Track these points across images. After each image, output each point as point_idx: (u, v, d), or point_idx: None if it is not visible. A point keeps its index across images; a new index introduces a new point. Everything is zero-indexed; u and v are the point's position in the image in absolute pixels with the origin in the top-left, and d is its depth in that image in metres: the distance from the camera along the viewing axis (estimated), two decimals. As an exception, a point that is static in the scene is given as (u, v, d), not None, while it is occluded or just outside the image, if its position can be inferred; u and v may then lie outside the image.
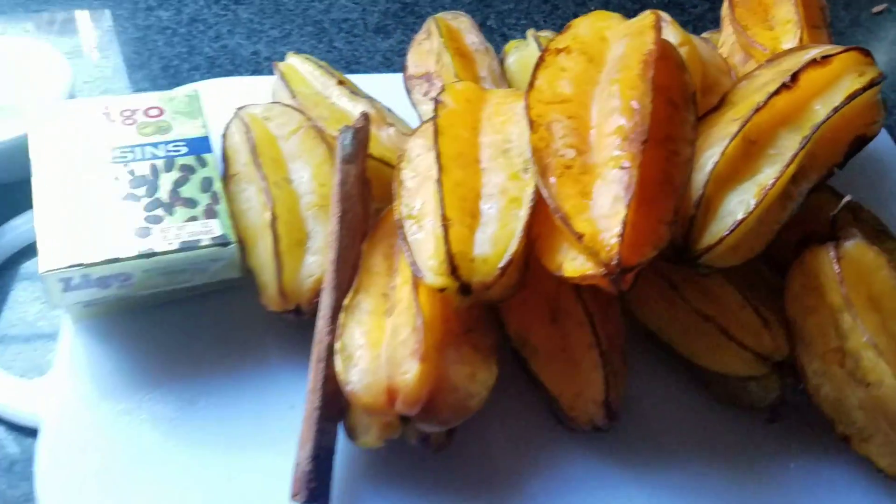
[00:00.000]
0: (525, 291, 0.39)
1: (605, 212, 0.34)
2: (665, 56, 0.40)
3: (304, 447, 0.36)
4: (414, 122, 0.51)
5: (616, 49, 0.40)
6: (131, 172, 0.42)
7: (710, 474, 0.40)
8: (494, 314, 0.41)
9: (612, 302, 0.41)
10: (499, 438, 0.40)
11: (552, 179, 0.36)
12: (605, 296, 0.41)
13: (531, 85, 0.39)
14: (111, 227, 0.39)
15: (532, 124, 0.38)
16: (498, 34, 0.66)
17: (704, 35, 0.57)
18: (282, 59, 0.61)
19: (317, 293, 0.41)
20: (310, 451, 0.36)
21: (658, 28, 0.40)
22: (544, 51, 0.41)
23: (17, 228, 0.47)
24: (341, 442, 0.38)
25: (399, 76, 0.56)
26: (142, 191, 0.41)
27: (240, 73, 0.59)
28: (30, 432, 0.40)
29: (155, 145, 0.43)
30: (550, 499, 0.38)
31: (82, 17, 0.63)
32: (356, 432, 0.38)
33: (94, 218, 0.40)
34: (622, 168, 0.35)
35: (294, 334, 0.42)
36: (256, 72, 0.60)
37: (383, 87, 0.53)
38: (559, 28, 0.67)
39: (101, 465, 0.38)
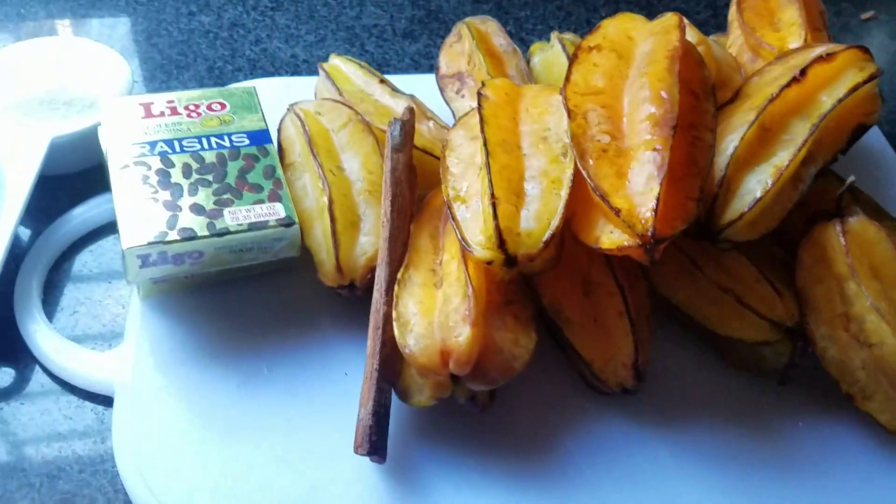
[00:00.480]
0: (558, 267, 0.43)
1: (640, 189, 0.38)
2: (687, 53, 0.44)
3: (366, 405, 0.40)
4: (445, 117, 0.55)
5: (643, 46, 0.44)
6: (200, 160, 0.45)
7: (727, 432, 0.44)
8: (531, 289, 0.45)
9: (638, 276, 0.45)
10: (534, 401, 0.44)
11: (591, 162, 0.40)
12: (633, 270, 0.45)
13: (567, 79, 0.44)
14: (185, 208, 0.43)
15: (570, 113, 0.42)
16: (516, 39, 0.70)
17: (712, 38, 0.62)
18: (319, 61, 0.65)
19: (369, 270, 0.45)
20: (371, 408, 0.40)
21: (682, 28, 0.44)
22: (577, 48, 0.45)
23: (84, 214, 0.50)
24: (393, 403, 0.42)
25: (427, 76, 0.61)
26: (211, 176, 0.45)
27: (280, 74, 0.63)
28: (103, 399, 0.44)
29: (220, 136, 0.47)
30: (584, 454, 0.42)
31: (128, 19, 0.67)
32: (410, 392, 0.41)
33: (168, 200, 0.43)
34: (655, 150, 0.39)
35: (346, 309, 0.46)
36: (295, 73, 0.64)
37: (414, 86, 0.57)
38: (574, 32, 0.71)
39: (170, 427, 0.41)
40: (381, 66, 0.66)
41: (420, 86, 0.57)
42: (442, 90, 0.57)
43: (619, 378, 0.43)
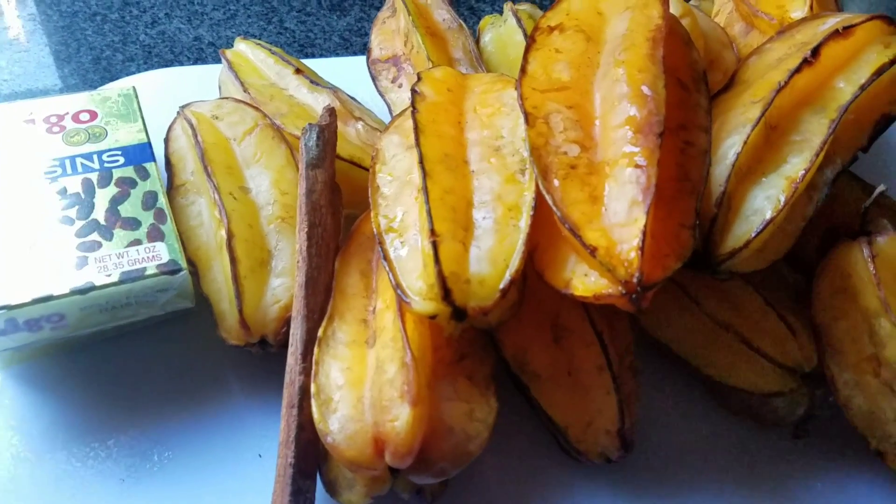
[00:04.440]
0: (522, 307, 0.34)
1: (620, 219, 0.29)
2: (672, 32, 0.35)
3: (280, 510, 0.31)
4: (381, 110, 0.46)
5: (617, 25, 0.35)
6: (62, 191, 0.35)
7: (733, 498, 0.36)
8: (489, 335, 0.36)
9: (619, 313, 0.37)
10: (501, 477, 0.36)
11: (556, 182, 0.31)
12: (611, 309, 0.36)
13: (523, 70, 0.34)
14: (39, 258, 0.33)
15: (528, 117, 0.33)
16: (465, 7, 0.60)
17: (692, 3, 0.53)
18: (228, 44, 0.54)
19: (284, 322, 0.36)
20: (286, 513, 0.31)
21: (665, 0, 0.35)
22: (534, 30, 0.36)
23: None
24: (320, 493, 0.33)
25: (360, 58, 0.51)
26: (74, 212, 0.35)
27: (181, 63, 0.53)
28: (-43, 499, 0.34)
29: (88, 156, 0.37)
30: (562, 540, 0.34)
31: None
32: (338, 487, 0.33)
33: (18, 248, 0.34)
34: (637, 166, 0.30)
35: (259, 368, 0.37)
36: (200, 60, 0.53)
37: (343, 71, 0.49)
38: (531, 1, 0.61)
39: (42, 536, 0.32)
40: (305, 47, 0.55)
41: (350, 72, 0.49)
42: (374, 78, 0.47)
43: (601, 447, 0.34)
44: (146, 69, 0.52)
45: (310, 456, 0.32)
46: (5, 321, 0.32)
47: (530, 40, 0.35)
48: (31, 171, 0.36)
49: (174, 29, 0.55)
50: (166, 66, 0.52)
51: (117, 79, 0.51)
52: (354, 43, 0.56)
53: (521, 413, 0.37)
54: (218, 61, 0.53)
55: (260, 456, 0.35)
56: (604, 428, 0.34)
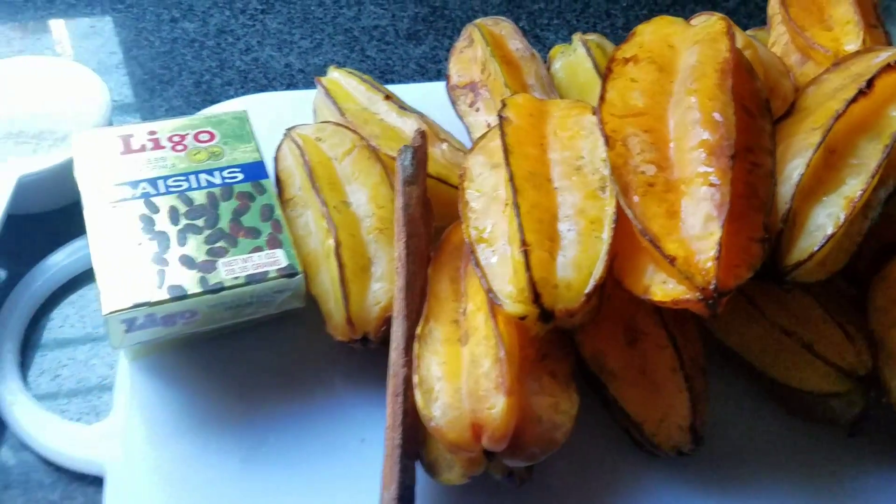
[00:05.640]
0: (600, 313, 0.38)
1: (697, 232, 0.33)
2: (737, 64, 0.39)
3: (389, 488, 0.35)
4: (456, 131, 0.50)
5: (688, 57, 0.39)
6: (189, 202, 0.40)
7: (792, 491, 0.39)
8: (568, 338, 0.40)
9: (689, 320, 0.40)
10: (578, 467, 0.39)
11: (636, 198, 0.35)
12: (683, 313, 0.40)
13: (602, 98, 0.38)
14: (173, 261, 0.38)
15: (608, 140, 0.36)
16: (531, 36, 0.64)
17: (749, 33, 0.56)
18: (316, 70, 0.59)
19: (384, 321, 0.40)
20: (395, 491, 0.35)
21: (731, 35, 0.38)
22: (611, 61, 0.40)
23: (63, 260, 0.45)
24: (420, 475, 0.37)
25: (435, 85, 0.55)
26: (202, 221, 0.39)
27: (274, 87, 0.58)
28: (93, 480, 0.39)
29: (210, 172, 0.41)
30: (636, 526, 0.38)
31: (103, 28, 0.61)
32: (438, 468, 0.36)
33: (154, 252, 0.38)
34: (711, 185, 0.33)
35: (360, 363, 0.41)
36: (291, 85, 0.58)
37: (421, 95, 0.52)
38: (593, 27, 0.66)
39: (170, 510, 0.36)
40: (384, 73, 0.60)
41: (428, 97, 0.52)
42: (453, 103, 0.51)
43: (673, 441, 0.38)
44: (243, 93, 0.57)
45: (413, 439, 0.36)
46: (145, 316, 0.37)
47: (607, 70, 0.39)
48: (161, 183, 0.41)
49: (266, 56, 0.60)
50: (261, 90, 0.57)
51: (217, 101, 0.56)
52: (430, 69, 0.60)
53: (595, 412, 0.40)
54: (307, 86, 0.58)
55: (362, 441, 0.39)
56: (677, 423, 0.38)
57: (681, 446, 0.38)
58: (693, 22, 0.43)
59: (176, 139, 0.43)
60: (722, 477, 0.39)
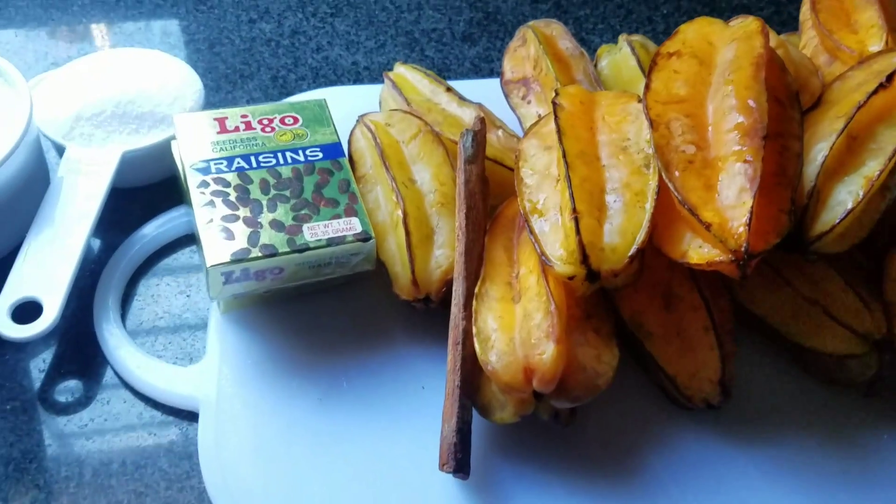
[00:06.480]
0: (639, 279, 0.42)
1: (731, 202, 0.37)
2: (771, 59, 0.43)
3: (449, 421, 0.40)
4: (509, 122, 0.54)
5: (725, 53, 0.43)
6: (277, 175, 0.45)
7: (812, 446, 0.43)
8: (609, 301, 0.44)
9: (721, 288, 0.44)
10: (615, 417, 0.44)
11: (676, 174, 0.39)
12: (716, 282, 0.44)
13: (647, 87, 0.43)
14: (265, 224, 0.43)
15: (652, 123, 0.41)
16: (577, 39, 0.69)
17: (781, 37, 0.60)
18: (380, 68, 0.65)
19: (444, 283, 0.45)
20: (454, 424, 0.40)
21: (766, 33, 0.43)
22: (656, 55, 0.44)
23: (158, 228, 0.51)
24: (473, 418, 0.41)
25: (488, 81, 0.60)
26: (289, 192, 0.45)
27: (342, 82, 0.63)
28: (186, 415, 0.44)
29: (295, 150, 0.47)
30: (668, 470, 0.41)
31: (188, 27, 0.67)
32: (491, 409, 0.41)
33: (248, 217, 0.43)
34: (746, 161, 0.38)
35: (419, 322, 0.46)
36: (357, 80, 0.64)
37: (475, 92, 0.57)
38: (635, 31, 0.70)
39: (256, 441, 0.41)
40: (441, 71, 0.65)
41: (482, 91, 0.57)
42: (507, 96, 0.56)
43: (704, 394, 0.42)
44: (315, 87, 0.62)
45: (469, 383, 0.41)
46: (241, 270, 0.42)
47: (653, 63, 0.44)
48: (253, 160, 0.46)
49: (335, 55, 0.65)
50: (331, 85, 0.63)
51: (292, 94, 0.61)
52: (483, 68, 0.66)
53: (631, 374, 0.44)
54: (371, 82, 0.63)
55: (423, 388, 0.44)
56: (707, 378, 0.42)
57: (710, 398, 0.42)
58: (731, 23, 0.47)
59: (265, 122, 0.48)
60: (745, 430, 0.43)
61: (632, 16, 0.72)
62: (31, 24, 0.67)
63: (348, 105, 0.54)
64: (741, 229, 0.36)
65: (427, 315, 0.46)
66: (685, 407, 0.43)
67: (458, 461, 0.39)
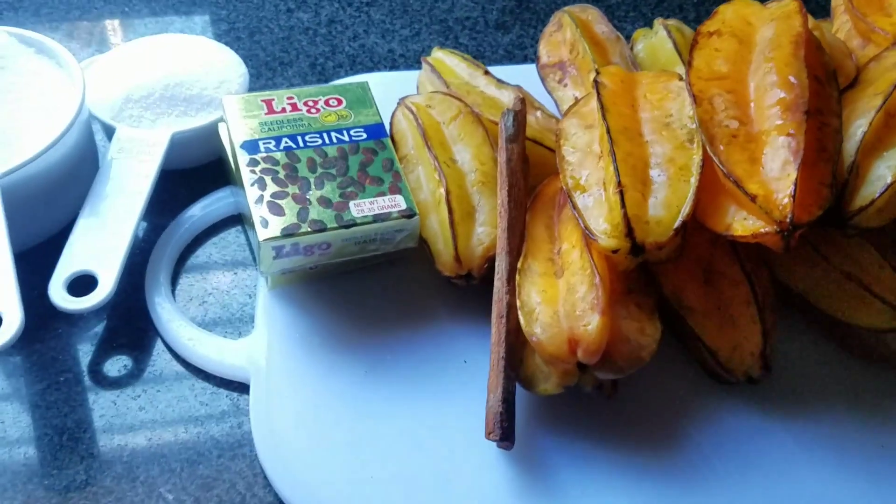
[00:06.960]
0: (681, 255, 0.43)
1: (775, 175, 0.38)
2: (809, 38, 0.44)
3: (495, 392, 0.41)
4: (546, 107, 0.55)
5: (765, 32, 0.44)
6: (324, 154, 0.47)
7: (849, 420, 0.44)
8: (651, 277, 0.45)
9: (761, 264, 0.45)
10: (657, 390, 0.44)
11: (721, 147, 0.40)
12: (757, 258, 0.45)
13: (689, 64, 0.44)
14: (314, 201, 0.44)
15: (696, 99, 0.42)
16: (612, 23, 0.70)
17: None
18: (415, 55, 0.66)
19: (486, 259, 0.46)
20: (500, 394, 0.41)
21: (804, 13, 0.43)
22: (696, 34, 0.45)
23: (206, 208, 0.52)
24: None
25: (522, 67, 0.61)
26: (335, 170, 0.46)
27: (379, 69, 0.64)
28: (236, 386, 0.45)
29: (339, 131, 0.48)
30: (709, 442, 0.42)
31: (228, 15, 0.69)
32: (535, 380, 0.42)
33: (297, 194, 0.45)
34: (789, 135, 0.38)
35: (460, 298, 0.47)
36: (393, 67, 0.65)
37: (511, 76, 0.57)
38: (668, 16, 0.71)
39: (305, 411, 0.42)
40: (476, 58, 0.66)
41: (516, 77, 0.58)
42: (543, 80, 0.57)
43: (745, 367, 0.43)
44: (352, 73, 0.63)
45: (513, 355, 0.42)
46: (291, 245, 0.44)
47: (693, 42, 0.45)
48: (300, 140, 0.47)
49: (372, 43, 0.66)
50: (368, 71, 0.64)
51: (330, 80, 0.63)
52: (516, 55, 0.67)
53: (672, 351, 0.45)
54: (407, 68, 0.65)
55: (465, 362, 0.45)
56: (749, 350, 0.42)
57: (751, 372, 0.42)
58: (768, 5, 0.48)
59: (310, 104, 0.49)
60: (785, 405, 0.44)
61: (663, 3, 0.72)
62: (74, 12, 0.68)
63: (387, 90, 0.55)
64: (786, 200, 0.37)
65: (467, 292, 0.47)
66: (725, 381, 0.44)
67: (504, 429, 0.40)
